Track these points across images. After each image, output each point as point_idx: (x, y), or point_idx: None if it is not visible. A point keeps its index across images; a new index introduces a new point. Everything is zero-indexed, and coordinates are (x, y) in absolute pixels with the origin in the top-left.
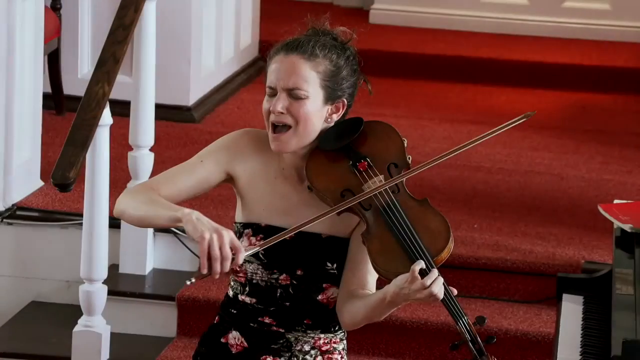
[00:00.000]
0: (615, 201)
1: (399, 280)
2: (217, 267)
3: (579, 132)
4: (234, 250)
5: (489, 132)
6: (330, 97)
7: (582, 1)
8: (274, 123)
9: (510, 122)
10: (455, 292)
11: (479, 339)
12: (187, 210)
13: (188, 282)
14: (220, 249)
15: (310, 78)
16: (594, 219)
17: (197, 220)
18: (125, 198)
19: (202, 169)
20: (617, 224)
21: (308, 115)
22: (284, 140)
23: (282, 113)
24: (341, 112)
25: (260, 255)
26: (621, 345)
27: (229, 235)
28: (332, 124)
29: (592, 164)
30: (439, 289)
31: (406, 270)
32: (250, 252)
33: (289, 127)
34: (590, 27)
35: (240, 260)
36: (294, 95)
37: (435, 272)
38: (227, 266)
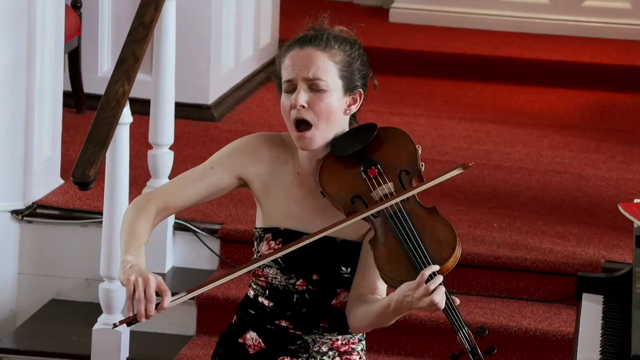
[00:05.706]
0: (636, 200)
1: (403, 288)
2: (142, 308)
3: (598, 131)
4: (161, 293)
5: (427, 183)
6: (349, 87)
7: (602, 0)
8: (296, 119)
9: (445, 173)
10: (457, 302)
11: (479, 350)
12: (129, 258)
13: (112, 327)
14: (145, 291)
15: (329, 68)
16: (614, 218)
17: (128, 268)
18: (127, 210)
19: (212, 176)
20: (637, 223)
21: (330, 108)
22: (310, 138)
23: (303, 107)
24: (359, 103)
25: (279, 260)
26: None
27: (155, 279)
28: (350, 114)
29: (612, 163)
30: (440, 297)
31: (411, 279)
32: (175, 298)
33: (311, 124)
34: (610, 26)
35: (166, 304)
36: (315, 87)
37: (438, 279)
38: (152, 309)
